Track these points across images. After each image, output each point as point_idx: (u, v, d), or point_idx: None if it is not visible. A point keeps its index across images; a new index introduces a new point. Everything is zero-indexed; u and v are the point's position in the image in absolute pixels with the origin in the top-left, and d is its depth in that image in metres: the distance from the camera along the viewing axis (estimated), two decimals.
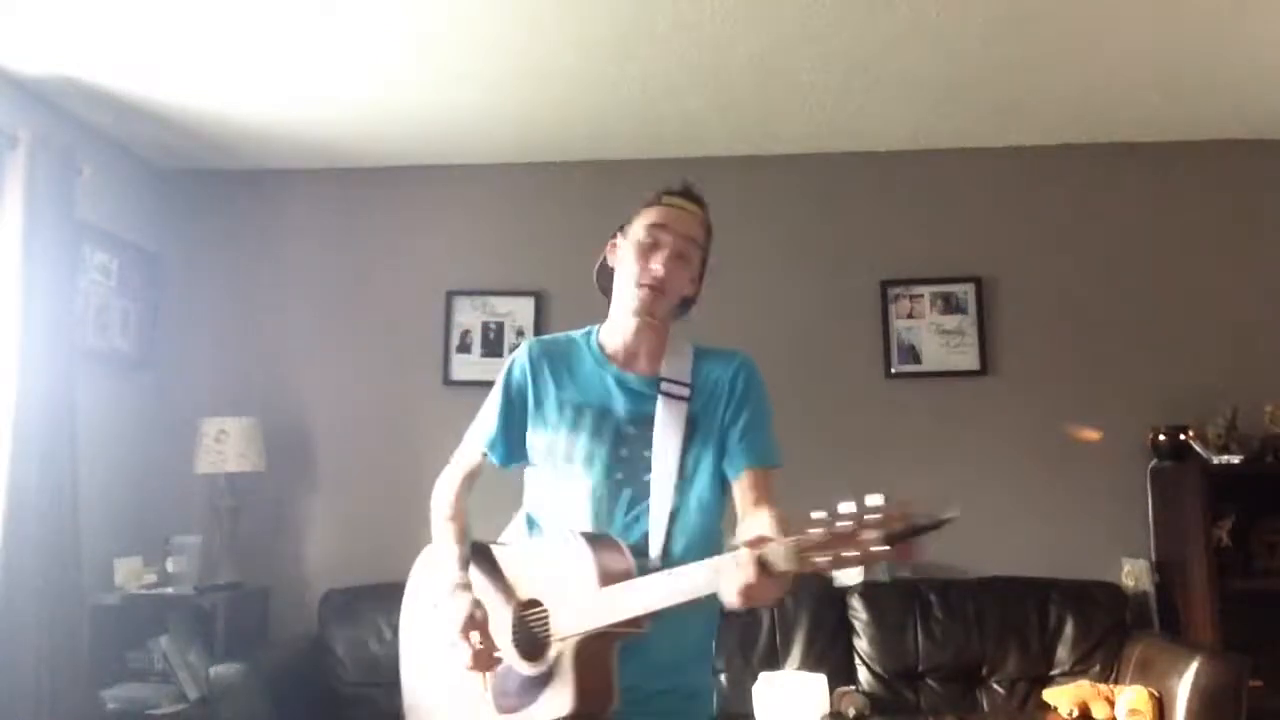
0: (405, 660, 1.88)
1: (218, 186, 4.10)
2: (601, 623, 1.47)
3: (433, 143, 3.84)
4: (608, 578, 1.49)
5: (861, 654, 3.40)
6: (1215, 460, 3.39)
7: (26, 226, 3.07)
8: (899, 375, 3.85)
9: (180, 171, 4.08)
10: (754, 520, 1.52)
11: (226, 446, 3.62)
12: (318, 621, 3.57)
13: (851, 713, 3.17)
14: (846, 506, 1.22)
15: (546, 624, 1.56)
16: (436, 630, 1.70)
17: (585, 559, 1.52)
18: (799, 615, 3.41)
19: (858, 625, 3.42)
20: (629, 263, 1.70)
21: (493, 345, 3.93)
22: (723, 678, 3.38)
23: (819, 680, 3.20)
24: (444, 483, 1.80)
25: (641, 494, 1.62)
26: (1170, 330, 3.79)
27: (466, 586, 1.65)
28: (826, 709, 3.18)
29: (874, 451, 3.76)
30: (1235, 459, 3.38)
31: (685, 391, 1.68)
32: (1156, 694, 2.98)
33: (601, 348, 1.74)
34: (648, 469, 1.63)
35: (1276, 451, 3.44)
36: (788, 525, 1.39)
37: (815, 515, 1.24)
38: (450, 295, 3.97)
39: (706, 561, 1.38)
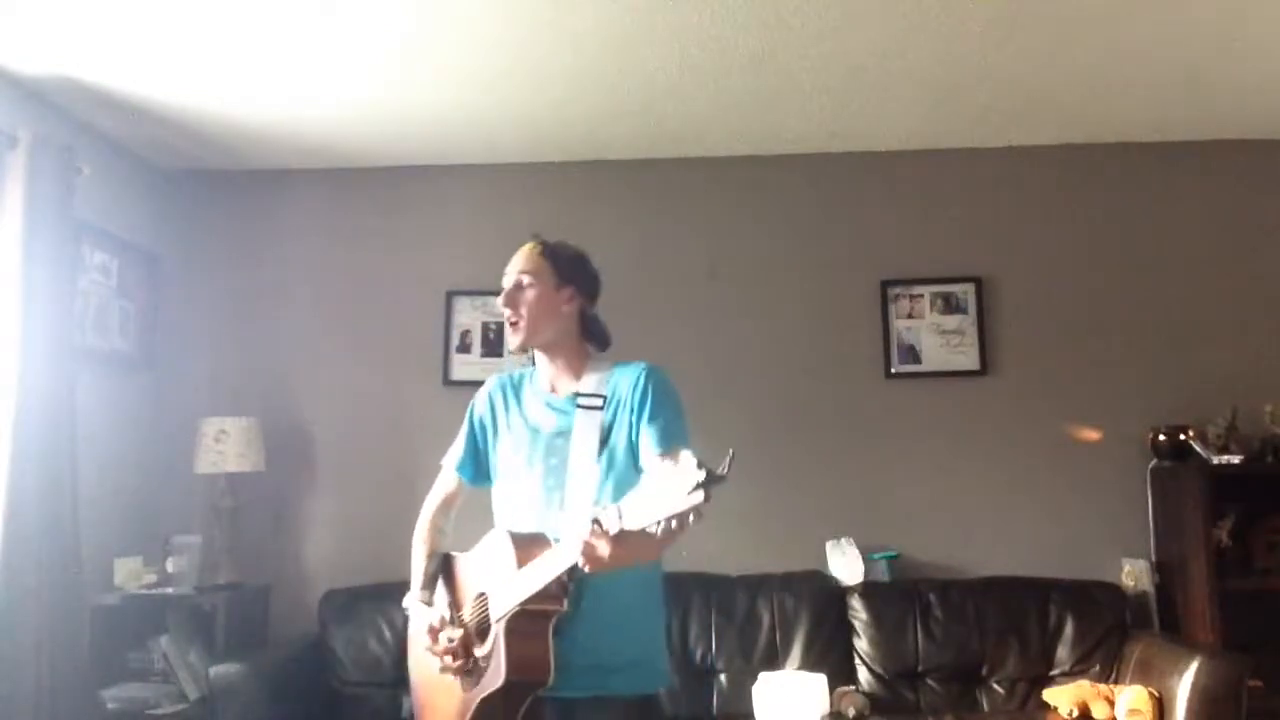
0: (411, 663, 2.05)
1: (218, 186, 4.10)
2: (520, 597, 1.69)
3: (433, 143, 3.84)
4: (526, 561, 1.72)
5: (861, 654, 3.40)
6: (1215, 460, 3.40)
7: (26, 226, 3.06)
8: (899, 375, 3.85)
9: (180, 171, 4.08)
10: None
11: (226, 446, 3.62)
12: (318, 621, 3.57)
13: (851, 713, 3.17)
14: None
15: (487, 609, 1.80)
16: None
17: (505, 547, 1.77)
18: (799, 615, 3.41)
19: (858, 625, 3.43)
20: None
21: (493, 345, 3.93)
22: (723, 678, 3.38)
23: (819, 680, 3.20)
24: (424, 507, 2.09)
25: (568, 497, 1.84)
26: (1170, 330, 3.79)
27: (427, 601, 1.95)
28: (826, 709, 3.18)
29: (874, 451, 3.76)
30: (1235, 459, 3.38)
31: (598, 402, 1.90)
32: (1156, 694, 2.98)
33: (538, 379, 2.03)
34: (572, 473, 1.86)
35: (1276, 451, 3.44)
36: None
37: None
38: (450, 295, 3.97)
39: (576, 530, 1.58)
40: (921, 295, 3.87)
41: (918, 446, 3.77)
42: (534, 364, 2.05)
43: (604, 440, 1.87)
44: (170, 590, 3.49)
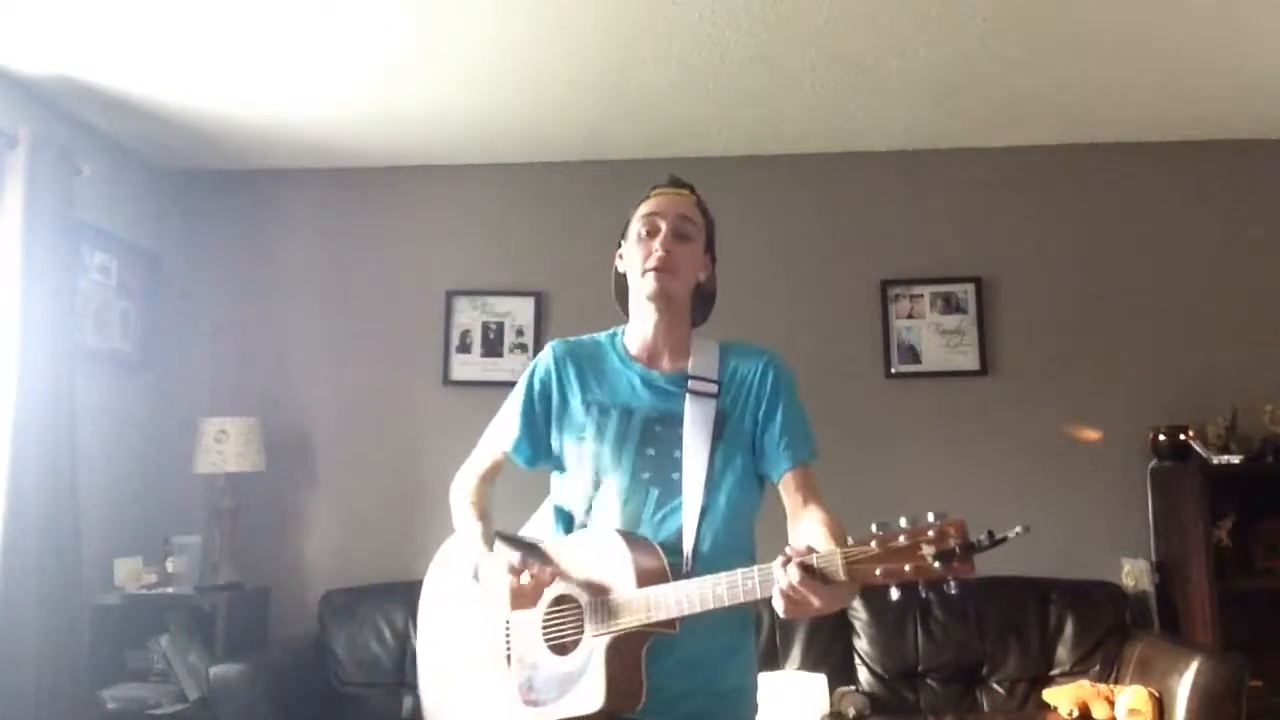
0: (425, 663, 1.82)
1: (218, 186, 4.11)
2: (638, 622, 1.47)
3: (433, 143, 3.84)
4: (645, 578, 1.49)
5: (861, 654, 3.40)
6: (1215, 460, 3.39)
7: (26, 226, 3.07)
8: (899, 375, 3.85)
9: (180, 171, 4.08)
10: (806, 523, 1.55)
11: (226, 446, 3.62)
12: (318, 621, 3.57)
13: (851, 713, 3.17)
14: (903, 521, 1.25)
15: (578, 621, 1.54)
16: (468, 613, 1.69)
17: (623, 558, 1.51)
18: None
19: (858, 625, 3.43)
20: (633, 257, 1.70)
21: (492, 345, 3.93)
22: None
23: (819, 680, 3.20)
24: (463, 476, 1.79)
25: (670, 493, 1.60)
26: (1170, 330, 3.79)
27: (492, 540, 1.63)
28: (826, 709, 3.18)
29: (874, 451, 3.76)
30: (1235, 459, 3.38)
31: (713, 388, 1.67)
32: (1156, 694, 2.98)
33: (626, 349, 1.74)
34: (676, 468, 1.61)
35: (1276, 451, 3.44)
36: (841, 532, 1.44)
37: (873, 528, 1.26)
38: (450, 295, 3.97)
39: (755, 568, 1.38)
40: (921, 295, 3.87)
41: (918, 446, 3.77)
42: (614, 333, 1.78)
43: (717, 434, 1.63)
44: (170, 590, 3.50)
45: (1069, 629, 3.36)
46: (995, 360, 3.84)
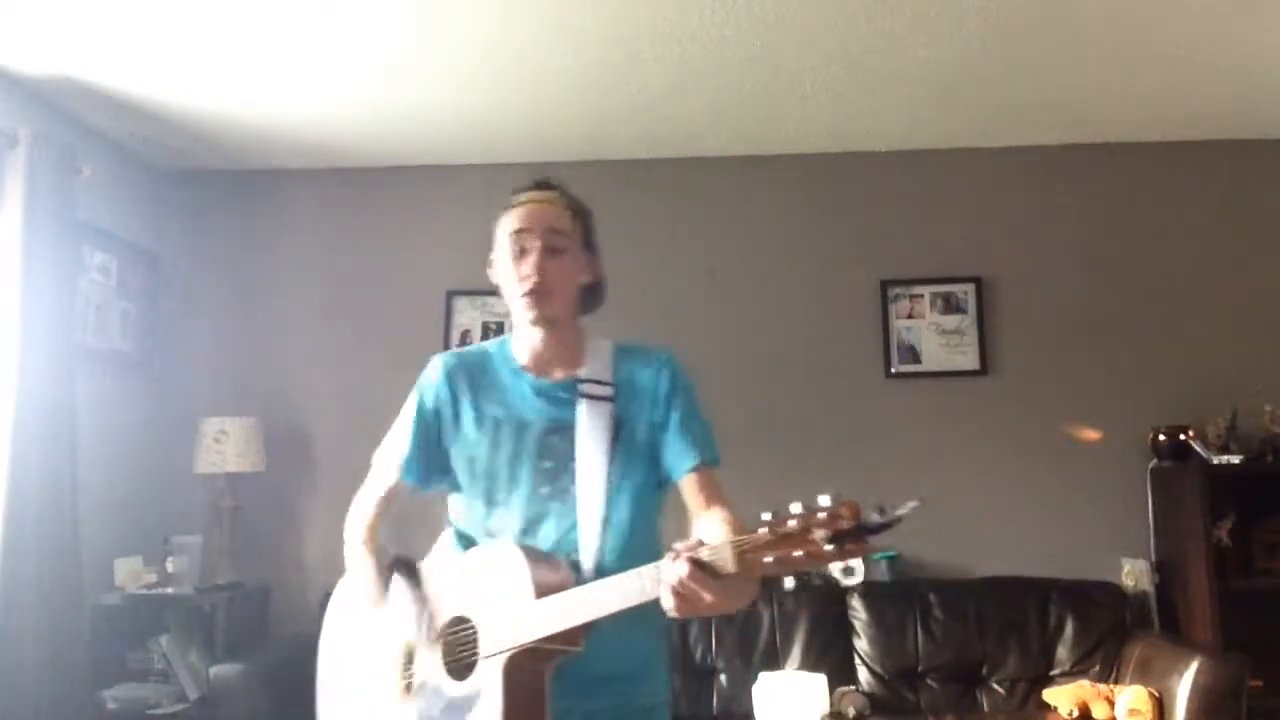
0: (325, 703, 1.75)
1: (218, 186, 4.10)
2: (536, 635, 1.39)
3: (433, 143, 3.84)
4: (544, 590, 1.41)
5: (861, 654, 3.40)
6: (1215, 460, 3.39)
7: (26, 226, 3.07)
8: (899, 375, 3.85)
9: (180, 171, 4.08)
10: (708, 522, 1.50)
11: (226, 446, 3.62)
12: (318, 621, 3.55)
13: (851, 713, 3.17)
14: (795, 507, 1.19)
15: (475, 641, 1.47)
16: (368, 645, 1.64)
17: (520, 569, 1.44)
18: (799, 615, 3.41)
19: (858, 625, 3.42)
20: (507, 276, 1.64)
21: None
22: (723, 678, 3.38)
23: (819, 680, 3.20)
24: (356, 507, 1.73)
25: (570, 505, 1.54)
26: (1170, 330, 3.79)
27: (383, 595, 1.61)
28: (826, 709, 3.18)
29: (874, 451, 3.76)
30: (1235, 459, 3.38)
31: (608, 391, 1.60)
32: (1156, 694, 2.98)
33: (515, 359, 1.66)
34: (574, 479, 1.55)
35: (1276, 451, 3.44)
36: (742, 527, 1.34)
37: (763, 517, 1.21)
38: (450, 295, 3.96)
39: (647, 567, 1.32)
40: (921, 295, 3.87)
41: (918, 446, 3.77)
42: (502, 340, 1.72)
43: (614, 439, 1.57)
44: (170, 590, 3.49)
45: (1069, 629, 3.36)
46: (995, 360, 3.84)
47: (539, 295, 1.59)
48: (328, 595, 3.92)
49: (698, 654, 3.40)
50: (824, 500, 1.19)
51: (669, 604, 1.26)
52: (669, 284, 3.91)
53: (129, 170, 3.89)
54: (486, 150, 3.92)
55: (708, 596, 1.24)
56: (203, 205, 4.10)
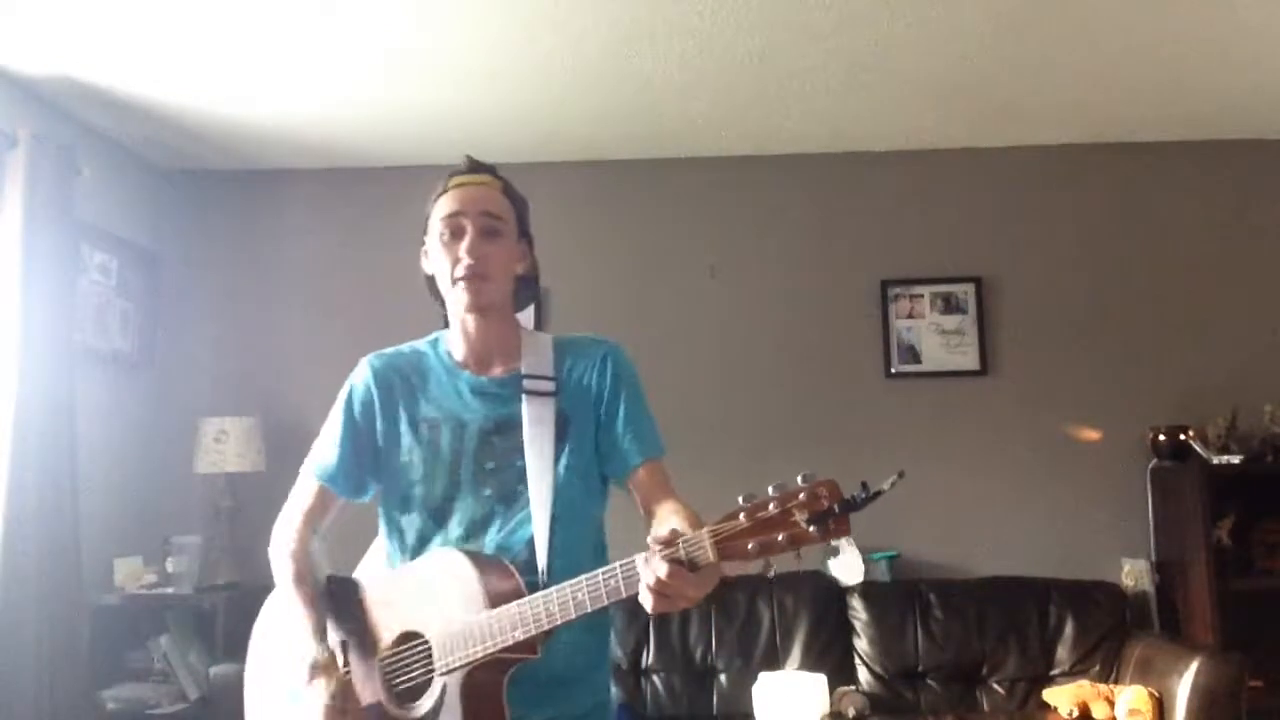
0: (261, 688, 1.64)
1: (218, 186, 4.10)
2: (491, 647, 1.32)
3: (432, 143, 3.83)
4: (496, 598, 1.34)
5: (861, 654, 3.40)
6: (1215, 460, 3.40)
7: (26, 226, 3.06)
8: (899, 375, 3.85)
9: (180, 171, 4.07)
10: (664, 516, 1.41)
11: (226, 446, 3.62)
12: None
13: (851, 713, 3.17)
14: (771, 490, 1.15)
15: (428, 658, 1.39)
16: (291, 691, 1.50)
17: (470, 579, 1.36)
18: (799, 615, 3.41)
19: (858, 625, 3.42)
20: (440, 263, 1.56)
21: None
22: (723, 678, 3.38)
23: (819, 680, 3.20)
24: (282, 520, 1.64)
25: (516, 506, 1.47)
26: (1170, 330, 3.79)
27: (320, 631, 1.48)
28: (826, 709, 3.17)
29: (874, 451, 3.75)
30: (1235, 459, 3.38)
31: (550, 386, 1.52)
32: (1156, 694, 2.98)
33: (450, 355, 1.59)
34: (520, 478, 1.47)
35: (1276, 451, 3.44)
36: (697, 519, 1.32)
37: (739, 501, 1.16)
38: None
39: (615, 565, 1.25)
40: (921, 295, 3.87)
41: (918, 446, 3.77)
42: (435, 339, 1.65)
43: (560, 435, 1.50)
44: (170, 590, 3.49)
45: (1069, 629, 3.36)
46: (995, 360, 3.84)
47: (475, 280, 1.51)
48: None
49: (698, 654, 3.40)
50: (800, 479, 1.15)
51: (648, 603, 1.20)
52: (669, 284, 3.91)
53: (129, 170, 3.88)
54: (486, 150, 3.85)
55: (691, 592, 1.19)
56: (203, 205, 4.09)
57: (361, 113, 3.55)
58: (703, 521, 1.25)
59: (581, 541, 1.50)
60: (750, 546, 1.15)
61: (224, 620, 3.41)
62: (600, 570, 1.27)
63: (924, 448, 3.77)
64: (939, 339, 3.85)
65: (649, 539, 1.21)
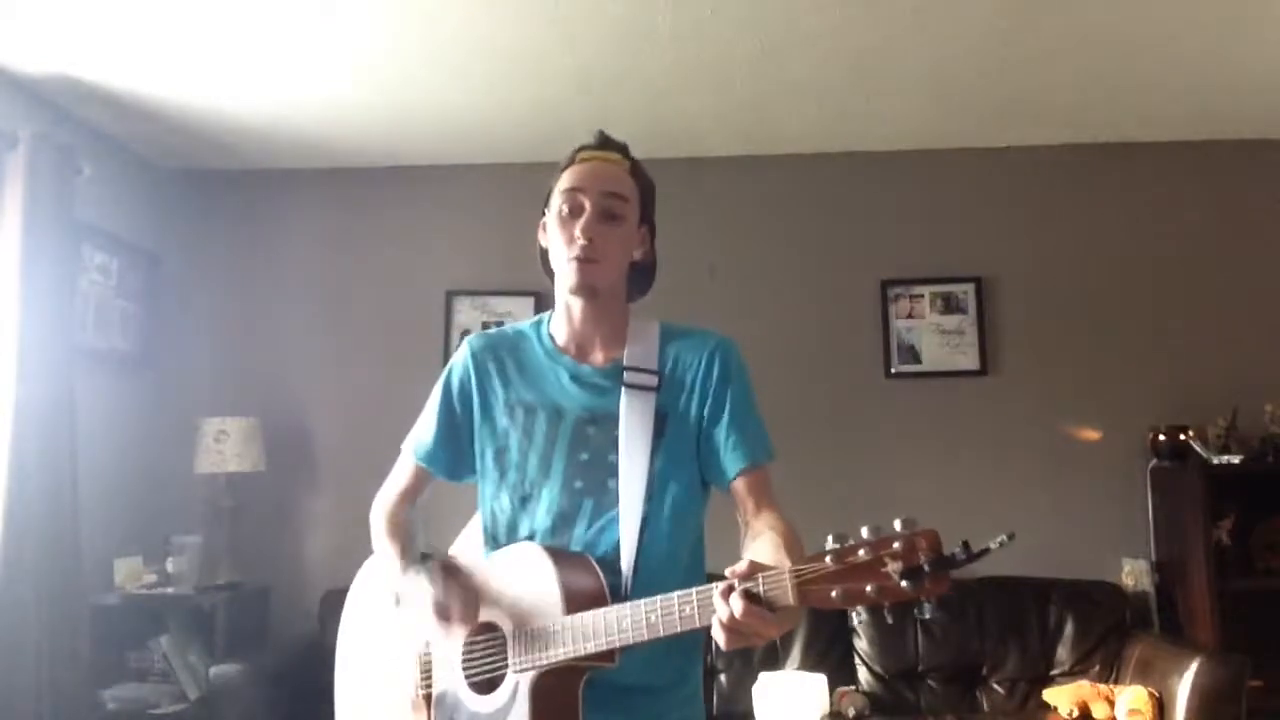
0: (343, 703, 1.66)
1: (218, 186, 4.10)
2: (565, 654, 1.28)
3: (433, 143, 3.84)
4: (575, 602, 1.29)
5: (861, 654, 3.40)
6: (1215, 460, 3.39)
7: (26, 226, 3.06)
8: (899, 375, 3.85)
9: (180, 171, 4.07)
10: (757, 534, 1.35)
11: (226, 446, 3.62)
12: (318, 621, 3.56)
13: (851, 713, 3.17)
14: (865, 533, 1.06)
15: (503, 652, 1.36)
16: (388, 646, 1.53)
17: (549, 579, 1.32)
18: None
19: (858, 625, 3.42)
20: (556, 239, 1.48)
21: None
22: (723, 678, 3.38)
23: (819, 680, 3.20)
24: (382, 494, 1.63)
25: (607, 502, 1.41)
26: (1170, 330, 3.79)
27: (412, 565, 1.46)
28: (826, 709, 3.18)
29: (874, 451, 3.76)
30: (1235, 459, 3.38)
31: (652, 380, 1.45)
32: (1156, 694, 2.98)
33: (553, 339, 1.53)
34: (612, 474, 1.42)
35: (1276, 451, 3.44)
36: (797, 545, 1.26)
37: (829, 542, 1.07)
38: (450, 295, 3.97)
39: (692, 591, 1.18)
40: (921, 295, 3.87)
41: (918, 446, 3.77)
42: (539, 321, 1.58)
43: (658, 432, 1.43)
44: (170, 590, 3.49)
45: (1069, 629, 3.36)
46: (995, 360, 3.84)
47: (587, 263, 1.44)
48: (328, 595, 3.94)
49: None
50: (898, 525, 1.05)
51: (721, 640, 1.13)
52: (669, 284, 3.86)
53: (129, 170, 3.88)
54: (486, 150, 3.92)
55: (767, 632, 1.10)
56: (203, 205, 4.10)
57: (361, 113, 3.55)
58: (801, 545, 1.18)
59: (673, 549, 1.43)
60: (834, 594, 1.05)
61: (224, 620, 3.41)
62: (677, 594, 1.20)
63: (924, 448, 3.77)
64: (939, 339, 3.85)
65: (727, 570, 1.14)
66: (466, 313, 3.97)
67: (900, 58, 3.15)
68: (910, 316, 3.87)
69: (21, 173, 3.08)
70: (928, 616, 1.04)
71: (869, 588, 1.04)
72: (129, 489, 3.71)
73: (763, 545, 1.27)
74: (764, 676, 3.23)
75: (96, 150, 3.60)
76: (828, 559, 1.06)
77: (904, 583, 1.02)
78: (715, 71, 3.23)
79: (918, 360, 3.85)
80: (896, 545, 1.03)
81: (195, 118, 3.57)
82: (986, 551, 1.01)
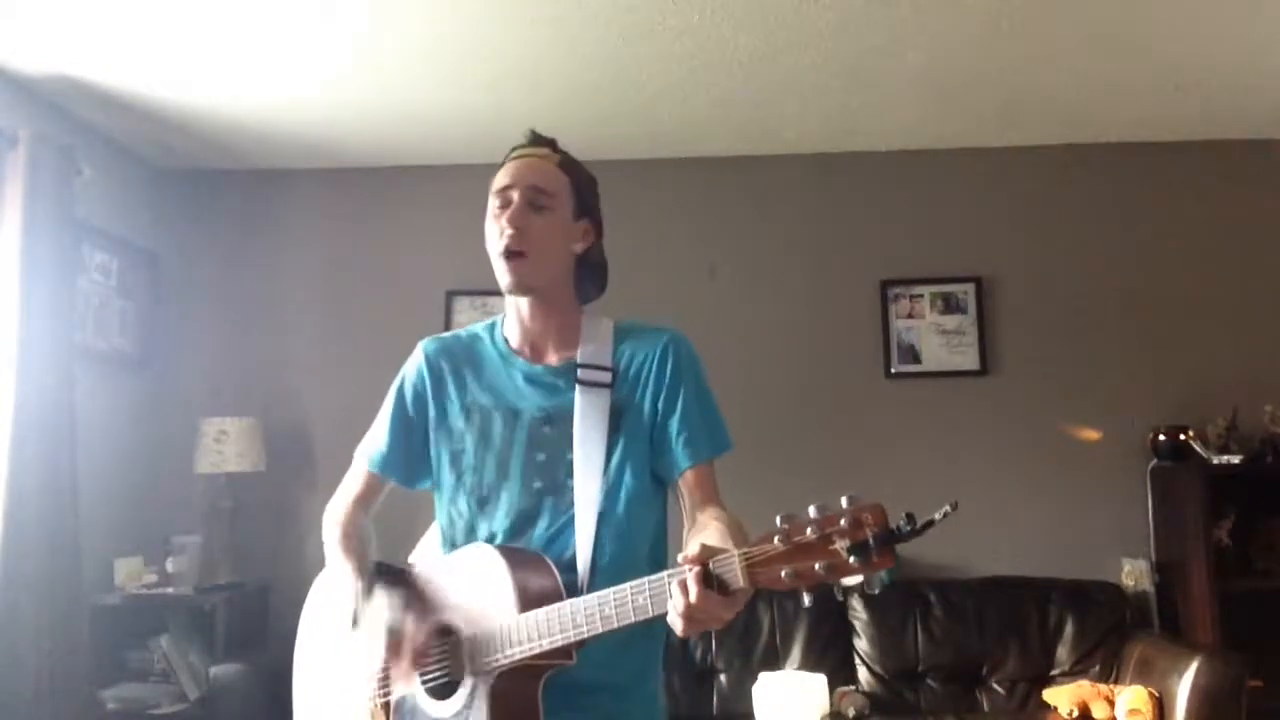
0: (301, 704, 1.68)
1: (218, 186, 4.10)
2: (520, 653, 1.26)
3: (433, 143, 3.83)
4: (529, 600, 1.28)
5: (861, 654, 3.40)
6: (1215, 460, 3.40)
7: (26, 226, 3.06)
8: (899, 375, 3.85)
9: (180, 171, 4.08)
10: (703, 526, 1.33)
11: (226, 446, 3.62)
12: None
13: (851, 713, 3.17)
14: (812, 511, 1.06)
15: (459, 656, 1.35)
16: (343, 656, 1.51)
17: (502, 579, 1.31)
18: (799, 615, 3.41)
19: (858, 625, 3.43)
20: (490, 238, 1.50)
21: None
22: (723, 678, 3.38)
23: (819, 680, 3.20)
24: (334, 502, 1.60)
25: (566, 502, 1.41)
26: (1170, 330, 3.79)
27: (366, 593, 1.43)
28: (826, 709, 3.18)
29: (874, 451, 3.76)
30: (1235, 459, 3.38)
31: (606, 377, 1.45)
32: (1156, 694, 2.98)
33: (507, 341, 1.53)
34: (570, 472, 1.41)
35: (1276, 451, 3.44)
36: (741, 532, 1.25)
37: (777, 522, 1.07)
38: (450, 295, 3.96)
39: (644, 581, 1.18)
40: (921, 295, 3.87)
41: (918, 447, 3.77)
42: (492, 324, 1.57)
43: (613, 428, 1.43)
44: (170, 590, 3.49)
45: (1069, 629, 3.36)
46: (995, 360, 3.84)
47: (515, 256, 1.44)
48: None
49: (698, 654, 3.40)
50: (844, 502, 1.05)
51: (677, 625, 1.14)
52: (669, 284, 3.90)
53: (129, 170, 3.88)
54: (486, 150, 3.88)
55: (721, 614, 1.10)
56: (203, 205, 4.10)
57: (361, 113, 3.55)
58: (746, 535, 1.17)
59: (632, 544, 1.43)
60: (784, 574, 1.06)
61: (224, 620, 3.41)
62: (629, 585, 1.19)
63: (924, 448, 3.76)
64: (939, 339, 3.85)
65: (679, 556, 1.14)
66: (466, 313, 3.96)
67: (900, 58, 3.15)
68: (910, 316, 3.87)
69: (21, 173, 3.08)
70: (877, 591, 1.04)
71: (818, 565, 1.04)
72: (129, 489, 3.72)
73: (710, 533, 1.26)
74: (764, 676, 3.23)
75: (96, 150, 3.60)
76: (776, 539, 1.06)
77: (852, 558, 1.02)
78: (715, 71, 3.23)
79: (918, 360, 3.85)
80: (843, 522, 1.03)
81: (195, 118, 3.57)
82: (931, 524, 1.01)
